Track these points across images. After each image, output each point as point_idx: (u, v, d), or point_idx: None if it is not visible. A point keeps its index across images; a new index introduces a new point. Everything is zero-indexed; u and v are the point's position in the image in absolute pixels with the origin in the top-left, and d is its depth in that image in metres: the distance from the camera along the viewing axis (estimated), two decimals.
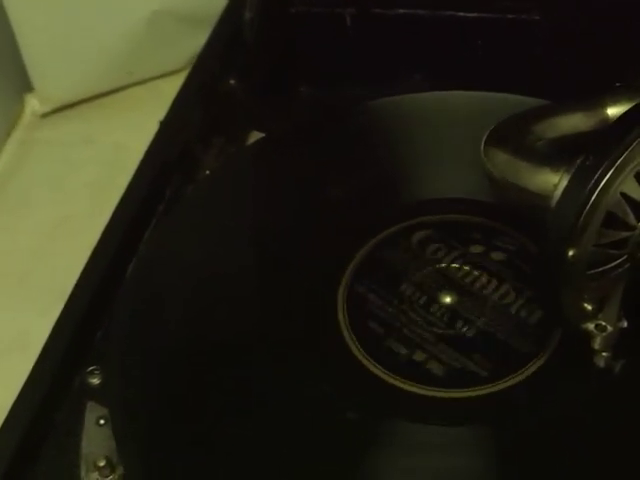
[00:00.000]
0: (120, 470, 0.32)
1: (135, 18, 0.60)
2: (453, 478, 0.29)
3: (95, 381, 0.34)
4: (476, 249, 0.35)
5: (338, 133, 0.42)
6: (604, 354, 0.29)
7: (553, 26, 0.50)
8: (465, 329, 0.33)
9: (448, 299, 0.34)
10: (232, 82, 0.50)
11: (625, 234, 0.27)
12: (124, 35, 0.60)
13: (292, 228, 0.38)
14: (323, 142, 0.42)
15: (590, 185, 0.25)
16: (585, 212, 0.25)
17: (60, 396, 0.34)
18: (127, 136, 0.59)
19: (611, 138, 0.25)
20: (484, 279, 0.34)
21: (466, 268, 0.34)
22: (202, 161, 0.44)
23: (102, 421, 0.33)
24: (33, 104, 0.62)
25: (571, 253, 0.26)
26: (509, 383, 0.31)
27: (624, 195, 0.26)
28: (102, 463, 0.32)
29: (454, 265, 0.34)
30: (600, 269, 0.27)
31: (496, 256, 0.35)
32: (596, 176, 0.25)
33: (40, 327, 0.45)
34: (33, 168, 0.58)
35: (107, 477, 0.32)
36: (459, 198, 0.37)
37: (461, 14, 0.53)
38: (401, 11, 0.53)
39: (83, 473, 0.32)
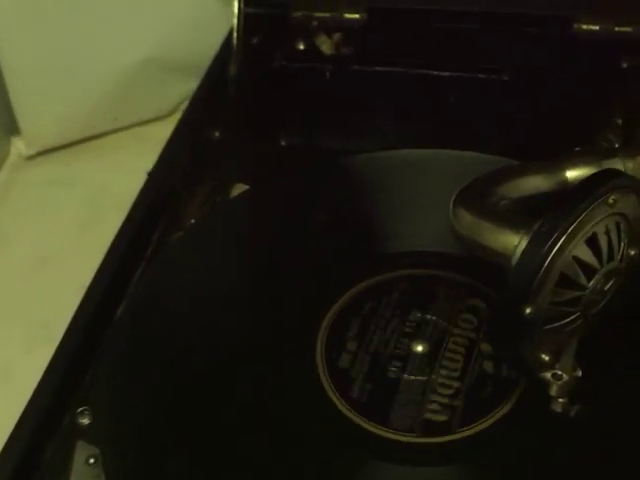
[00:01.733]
0: None
1: (122, 65, 0.62)
2: None
3: (85, 421, 0.36)
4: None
5: (319, 185, 0.45)
6: (560, 400, 0.32)
7: (522, 86, 0.54)
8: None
9: (420, 348, 0.36)
10: (217, 134, 0.52)
11: (577, 293, 0.30)
12: (110, 82, 0.63)
13: (275, 276, 0.40)
14: (305, 194, 0.45)
15: (545, 249, 0.28)
16: (540, 274, 0.28)
17: (50, 436, 0.36)
18: (110, 179, 0.61)
19: (565, 208, 0.28)
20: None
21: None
22: (188, 209, 0.47)
23: (92, 460, 0.35)
24: (19, 146, 0.63)
25: (528, 311, 0.29)
26: (478, 429, 0.33)
27: (576, 258, 0.29)
28: None
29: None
30: (555, 324, 0.30)
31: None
32: (550, 241, 0.27)
33: (23, 361, 0.46)
34: (16, 207, 0.60)
35: None
36: (437, 252, 0.40)
37: (435, 73, 0.56)
38: (378, 69, 0.57)
39: None
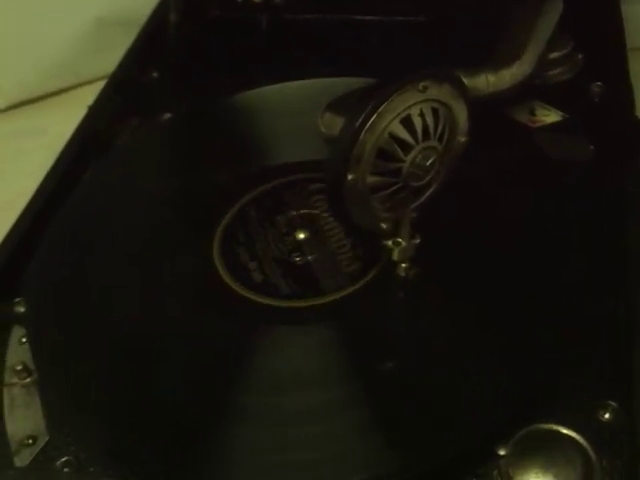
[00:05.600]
0: (35, 375, 0.39)
1: (75, 25, 0.69)
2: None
3: (20, 309, 0.42)
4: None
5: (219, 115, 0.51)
6: (403, 265, 0.37)
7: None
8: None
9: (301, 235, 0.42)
10: (154, 74, 0.58)
11: (397, 165, 0.35)
12: (67, 41, 0.69)
13: (184, 190, 0.47)
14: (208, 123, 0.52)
15: (357, 124, 0.33)
16: (357, 145, 0.33)
17: None
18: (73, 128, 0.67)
19: (379, 93, 0.33)
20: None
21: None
22: (121, 136, 0.53)
23: (24, 339, 0.41)
24: None
25: (350, 177, 0.34)
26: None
27: (392, 135, 0.34)
28: (20, 367, 0.40)
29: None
30: (382, 193, 0.35)
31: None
32: (361, 118, 0.33)
33: None
34: None
35: (24, 379, 0.39)
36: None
37: (359, 17, 0.62)
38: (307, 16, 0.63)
39: (7, 378, 0.40)
